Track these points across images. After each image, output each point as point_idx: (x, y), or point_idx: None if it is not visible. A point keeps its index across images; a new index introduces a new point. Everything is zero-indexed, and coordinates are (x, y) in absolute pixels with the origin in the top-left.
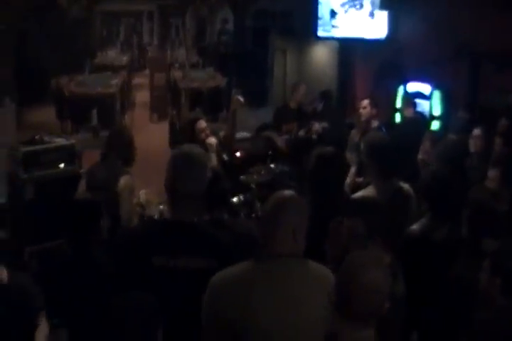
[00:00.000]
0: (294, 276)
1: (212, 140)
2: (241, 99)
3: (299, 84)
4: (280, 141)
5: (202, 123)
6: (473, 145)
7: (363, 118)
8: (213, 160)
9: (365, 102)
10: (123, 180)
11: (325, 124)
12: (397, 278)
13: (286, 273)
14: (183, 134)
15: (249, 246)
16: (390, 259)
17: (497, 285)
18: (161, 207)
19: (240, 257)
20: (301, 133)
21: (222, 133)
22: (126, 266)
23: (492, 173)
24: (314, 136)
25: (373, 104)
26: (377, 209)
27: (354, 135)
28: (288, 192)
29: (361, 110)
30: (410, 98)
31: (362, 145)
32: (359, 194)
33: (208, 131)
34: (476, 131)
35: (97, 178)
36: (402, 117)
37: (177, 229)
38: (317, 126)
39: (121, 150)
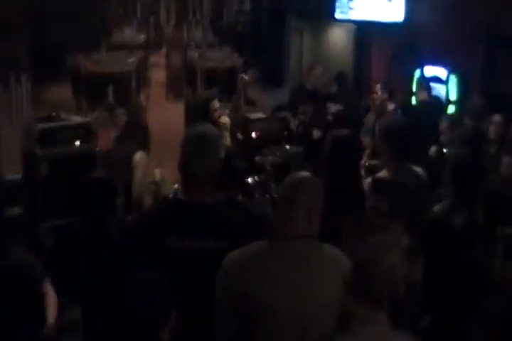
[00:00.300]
0: (307, 257)
1: (226, 119)
2: (245, 77)
3: (315, 66)
4: (293, 122)
5: (215, 103)
6: (493, 133)
7: (376, 103)
8: (227, 139)
9: (378, 87)
10: (138, 156)
11: (340, 106)
12: (416, 261)
13: (300, 254)
14: (196, 113)
15: (263, 226)
16: (408, 242)
17: (509, 270)
18: (176, 186)
19: (253, 238)
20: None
21: (227, 111)
22: (140, 246)
23: (506, 160)
24: (330, 118)
25: (385, 88)
26: (399, 190)
27: (370, 118)
28: (304, 174)
29: (374, 95)
30: (425, 82)
31: (377, 128)
32: (377, 175)
33: (221, 111)
34: (496, 118)
35: (112, 158)
36: (417, 101)
37: (191, 209)
38: (332, 108)
39: (137, 139)
